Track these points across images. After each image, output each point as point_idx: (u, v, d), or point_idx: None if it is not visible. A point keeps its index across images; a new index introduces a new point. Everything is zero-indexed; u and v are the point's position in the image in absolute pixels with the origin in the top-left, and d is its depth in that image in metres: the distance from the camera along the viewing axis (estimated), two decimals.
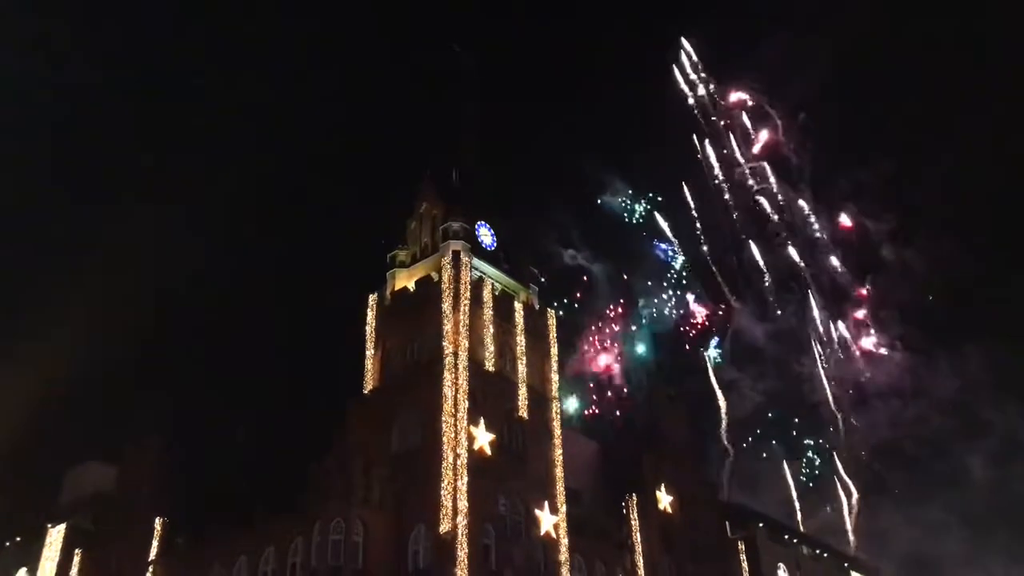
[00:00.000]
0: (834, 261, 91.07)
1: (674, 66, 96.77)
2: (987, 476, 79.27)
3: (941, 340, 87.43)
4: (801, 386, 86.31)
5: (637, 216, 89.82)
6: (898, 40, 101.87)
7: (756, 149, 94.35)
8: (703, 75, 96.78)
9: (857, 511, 78.05)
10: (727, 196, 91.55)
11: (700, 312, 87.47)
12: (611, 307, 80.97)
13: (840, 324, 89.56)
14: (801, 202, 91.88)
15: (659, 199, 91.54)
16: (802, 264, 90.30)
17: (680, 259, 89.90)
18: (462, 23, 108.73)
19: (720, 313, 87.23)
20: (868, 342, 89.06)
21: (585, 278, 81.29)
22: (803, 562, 56.18)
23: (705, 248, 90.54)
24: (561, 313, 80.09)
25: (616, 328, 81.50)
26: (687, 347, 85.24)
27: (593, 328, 78.62)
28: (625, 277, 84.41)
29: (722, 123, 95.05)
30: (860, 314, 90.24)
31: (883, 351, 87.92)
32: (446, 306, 40.15)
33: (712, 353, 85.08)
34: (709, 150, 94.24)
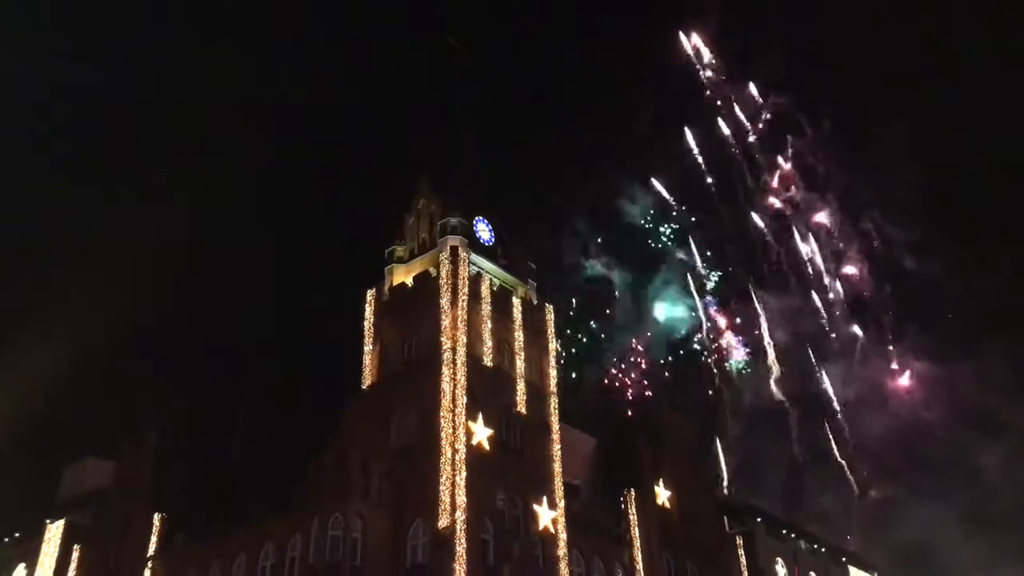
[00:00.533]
0: (853, 270, 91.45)
1: (692, 58, 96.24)
2: (1002, 477, 79.38)
3: (958, 343, 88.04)
4: (814, 385, 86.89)
5: (665, 239, 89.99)
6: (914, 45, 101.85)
7: (779, 158, 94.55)
8: (716, 73, 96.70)
9: (862, 508, 78.49)
10: (746, 178, 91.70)
11: (722, 320, 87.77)
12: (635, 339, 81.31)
13: (858, 329, 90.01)
14: (822, 217, 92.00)
15: (682, 207, 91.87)
16: (824, 271, 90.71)
17: (698, 262, 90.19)
18: (461, 17, 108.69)
19: (739, 320, 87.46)
20: (887, 347, 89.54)
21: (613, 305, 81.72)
22: (801, 557, 56.27)
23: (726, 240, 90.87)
24: (594, 324, 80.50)
25: (640, 347, 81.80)
26: (708, 356, 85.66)
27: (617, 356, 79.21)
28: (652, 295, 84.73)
29: (748, 123, 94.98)
30: (880, 320, 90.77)
31: (901, 358, 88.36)
32: (444, 302, 40.11)
33: (739, 363, 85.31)
34: (726, 129, 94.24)
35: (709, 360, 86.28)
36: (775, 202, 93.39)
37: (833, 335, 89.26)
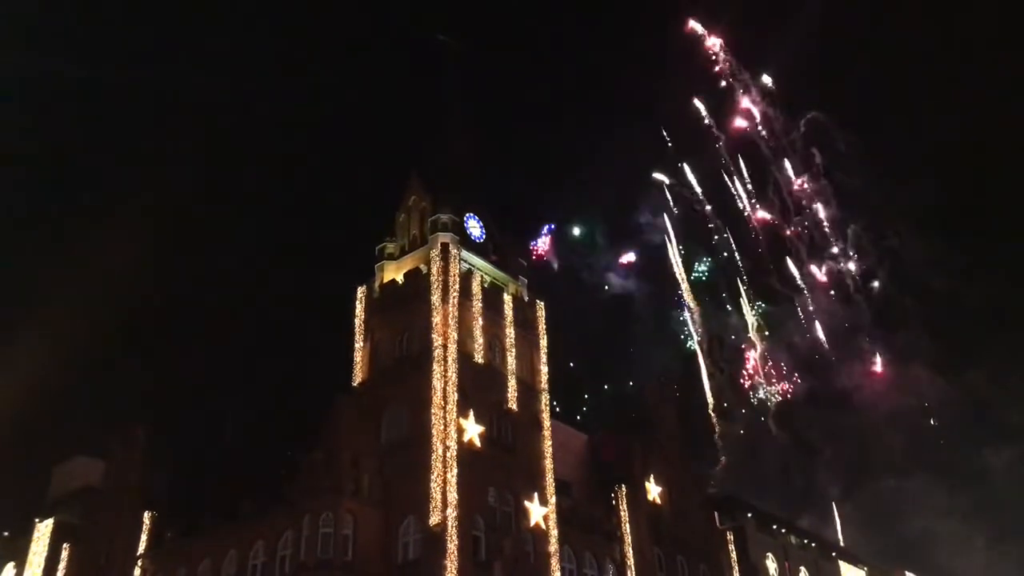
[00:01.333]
0: (876, 283, 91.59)
1: (717, 53, 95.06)
2: (1009, 479, 79.65)
3: (969, 348, 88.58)
4: (824, 385, 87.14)
5: (700, 274, 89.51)
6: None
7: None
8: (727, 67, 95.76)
9: (857, 504, 78.79)
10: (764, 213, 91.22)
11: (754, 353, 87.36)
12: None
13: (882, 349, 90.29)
14: (850, 243, 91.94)
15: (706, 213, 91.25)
16: (854, 284, 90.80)
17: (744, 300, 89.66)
18: (456, 14, 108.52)
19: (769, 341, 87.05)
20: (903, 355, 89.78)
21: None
22: (791, 552, 56.47)
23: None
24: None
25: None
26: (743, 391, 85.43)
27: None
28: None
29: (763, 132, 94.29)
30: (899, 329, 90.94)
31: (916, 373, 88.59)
32: (435, 298, 40.02)
33: (768, 394, 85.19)
34: (744, 122, 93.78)
35: (743, 387, 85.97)
36: (791, 223, 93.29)
37: (857, 344, 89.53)
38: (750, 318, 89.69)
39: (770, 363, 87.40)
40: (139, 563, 41.59)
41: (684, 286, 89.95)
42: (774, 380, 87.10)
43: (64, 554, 44.43)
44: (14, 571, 46.77)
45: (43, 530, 45.75)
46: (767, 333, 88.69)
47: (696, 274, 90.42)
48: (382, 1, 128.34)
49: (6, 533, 49.49)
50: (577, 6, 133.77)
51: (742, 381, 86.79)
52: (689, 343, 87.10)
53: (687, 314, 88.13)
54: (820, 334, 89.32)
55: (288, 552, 36.20)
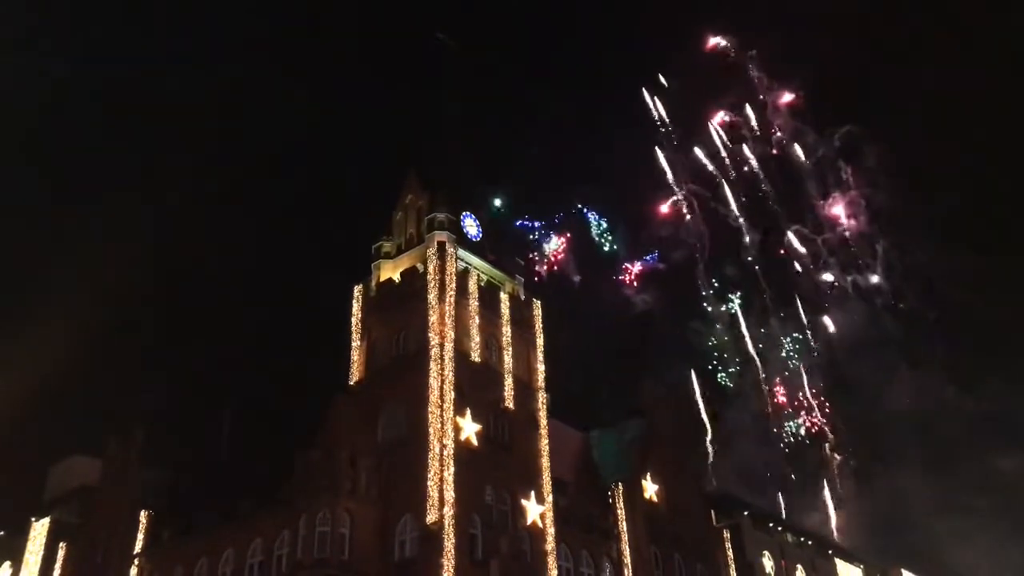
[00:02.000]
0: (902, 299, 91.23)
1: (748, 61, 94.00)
2: (1015, 482, 79.58)
3: (981, 354, 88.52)
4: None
5: (729, 306, 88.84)
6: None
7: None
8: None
9: (858, 503, 78.75)
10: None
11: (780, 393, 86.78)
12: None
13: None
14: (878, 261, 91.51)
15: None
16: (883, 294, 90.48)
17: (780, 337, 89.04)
18: (453, 12, 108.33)
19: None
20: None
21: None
22: (788, 550, 56.55)
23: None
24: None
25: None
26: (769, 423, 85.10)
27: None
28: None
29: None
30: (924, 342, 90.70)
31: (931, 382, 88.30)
32: (432, 297, 40.04)
33: (796, 426, 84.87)
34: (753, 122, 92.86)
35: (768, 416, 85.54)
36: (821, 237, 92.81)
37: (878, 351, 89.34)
38: (782, 350, 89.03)
39: (801, 394, 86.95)
40: (136, 562, 41.57)
41: (709, 308, 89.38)
42: (803, 413, 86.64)
43: (60, 553, 44.43)
44: (10, 570, 46.76)
45: (39, 529, 45.72)
46: (795, 362, 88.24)
47: (727, 306, 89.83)
48: (382, 1, 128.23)
49: (2, 532, 49.50)
50: (577, 6, 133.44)
51: (768, 411, 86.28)
52: (721, 375, 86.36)
53: (712, 339, 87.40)
54: (846, 352, 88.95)
55: (285, 551, 36.23)
